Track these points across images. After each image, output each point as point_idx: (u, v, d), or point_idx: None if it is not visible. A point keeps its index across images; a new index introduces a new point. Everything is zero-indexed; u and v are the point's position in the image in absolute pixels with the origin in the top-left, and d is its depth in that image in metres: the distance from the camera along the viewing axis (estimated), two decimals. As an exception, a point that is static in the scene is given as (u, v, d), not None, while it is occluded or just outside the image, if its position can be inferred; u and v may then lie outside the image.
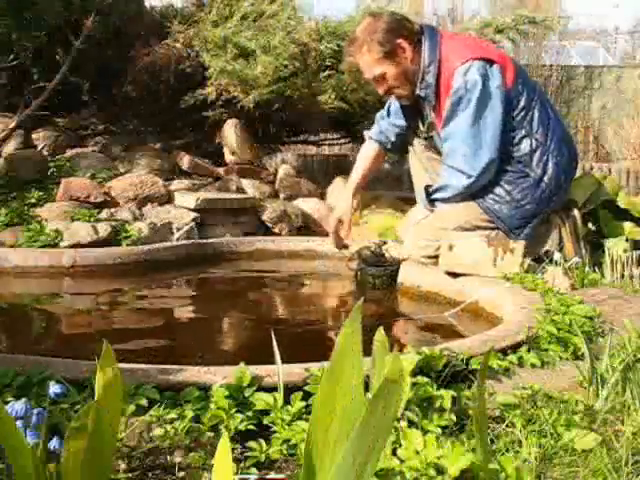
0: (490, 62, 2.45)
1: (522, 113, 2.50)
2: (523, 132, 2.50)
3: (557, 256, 2.41)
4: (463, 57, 2.44)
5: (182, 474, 1.02)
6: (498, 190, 2.52)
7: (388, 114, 2.85)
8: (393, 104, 2.83)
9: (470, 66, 2.42)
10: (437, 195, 2.54)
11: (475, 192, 2.50)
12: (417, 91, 2.55)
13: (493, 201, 2.51)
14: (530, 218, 2.52)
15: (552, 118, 2.57)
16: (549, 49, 9.22)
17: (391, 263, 2.61)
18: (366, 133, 2.97)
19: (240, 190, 3.81)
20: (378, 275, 2.57)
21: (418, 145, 2.82)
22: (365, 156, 2.92)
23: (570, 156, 2.60)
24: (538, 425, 1.17)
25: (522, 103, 2.50)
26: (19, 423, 0.88)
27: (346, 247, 2.81)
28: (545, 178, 2.51)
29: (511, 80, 2.49)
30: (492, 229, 2.52)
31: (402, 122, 2.81)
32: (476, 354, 1.44)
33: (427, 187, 2.60)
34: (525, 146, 2.50)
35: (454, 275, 2.37)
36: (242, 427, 1.12)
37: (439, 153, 2.70)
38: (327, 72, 3.86)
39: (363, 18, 2.73)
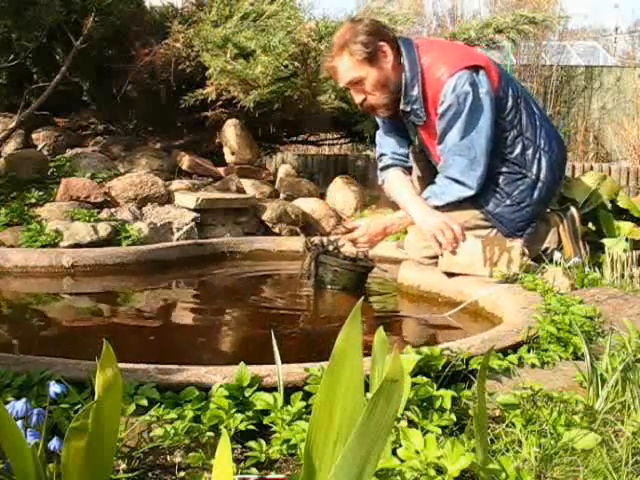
0: (476, 68, 2.42)
1: (512, 113, 2.50)
2: (514, 132, 2.50)
3: (557, 256, 2.42)
4: (450, 69, 2.39)
5: (182, 474, 1.02)
6: (497, 193, 2.52)
7: (383, 152, 2.74)
8: (380, 136, 2.73)
9: (458, 78, 2.38)
10: (432, 202, 2.49)
11: (475, 197, 2.49)
12: (401, 106, 2.49)
13: (494, 205, 2.51)
14: (530, 220, 2.53)
15: (537, 114, 2.56)
16: (549, 49, 9.24)
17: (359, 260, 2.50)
18: (379, 175, 2.78)
19: (240, 190, 3.81)
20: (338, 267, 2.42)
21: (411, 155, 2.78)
22: (397, 183, 2.66)
23: (560, 150, 2.60)
24: (538, 425, 1.17)
25: (510, 103, 2.49)
26: (19, 423, 0.88)
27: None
28: (541, 176, 2.51)
29: (496, 82, 2.47)
30: (492, 227, 2.53)
31: (398, 149, 2.70)
32: (476, 354, 1.44)
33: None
34: (518, 147, 2.51)
35: (451, 275, 2.37)
36: (242, 427, 1.12)
37: (429, 162, 2.67)
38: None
39: (341, 25, 2.65)
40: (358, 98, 2.51)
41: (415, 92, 2.45)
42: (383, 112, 2.58)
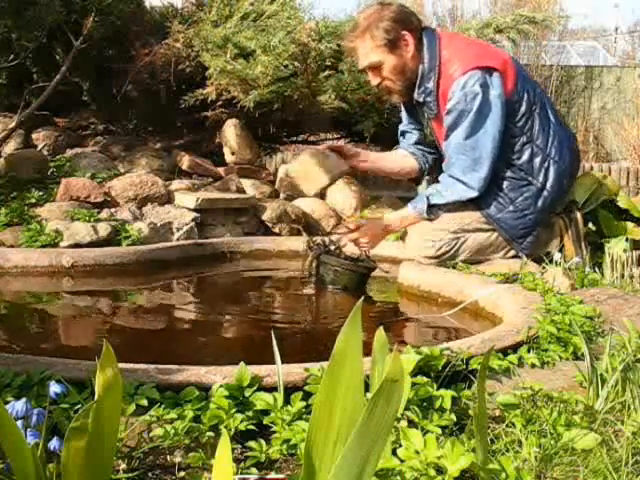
0: (490, 70, 2.41)
1: (523, 119, 2.48)
2: (524, 139, 2.49)
3: (557, 256, 2.42)
4: (463, 67, 2.40)
5: (182, 474, 1.02)
6: (501, 198, 2.51)
7: (403, 135, 2.84)
8: (402, 126, 2.82)
9: (469, 77, 2.38)
10: (434, 200, 2.50)
11: (478, 200, 2.49)
12: (415, 96, 2.52)
13: (496, 209, 2.51)
14: (533, 227, 2.52)
15: (553, 122, 2.54)
16: (549, 49, 9.23)
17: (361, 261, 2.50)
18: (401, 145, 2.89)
19: (240, 190, 3.81)
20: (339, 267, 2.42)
21: None
22: (403, 157, 2.83)
23: (572, 159, 2.58)
24: (538, 425, 1.17)
25: (523, 109, 2.48)
26: (19, 423, 0.88)
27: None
28: (547, 185, 2.50)
29: (512, 86, 2.45)
30: (493, 230, 2.52)
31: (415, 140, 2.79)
32: (476, 354, 1.44)
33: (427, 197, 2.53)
34: (526, 153, 2.49)
35: None
36: (242, 427, 1.12)
37: (439, 153, 2.70)
38: (327, 72, 3.85)
39: (370, 6, 2.67)
40: (374, 81, 2.56)
41: (430, 85, 2.47)
42: (397, 98, 2.63)
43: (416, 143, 2.80)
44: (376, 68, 2.50)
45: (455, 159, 2.45)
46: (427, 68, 2.46)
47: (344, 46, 2.71)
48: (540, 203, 2.51)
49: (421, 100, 2.51)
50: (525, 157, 2.49)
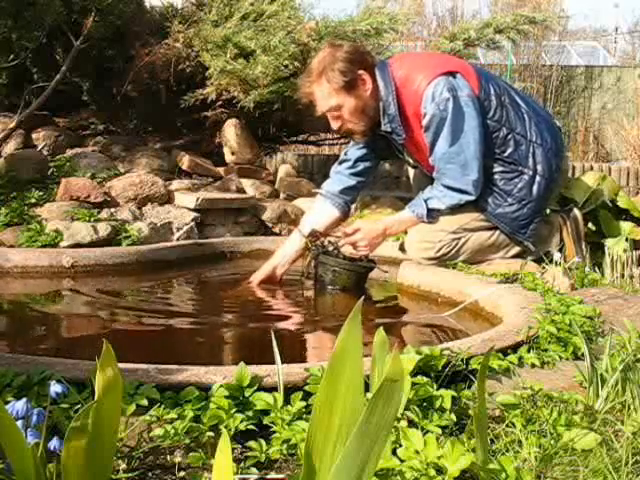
0: (452, 73, 2.41)
1: (498, 112, 2.48)
2: (504, 130, 2.49)
3: (557, 256, 2.42)
4: (427, 78, 2.39)
5: (182, 474, 1.02)
6: (497, 194, 2.51)
7: (345, 158, 2.73)
8: (352, 151, 2.71)
9: (435, 86, 2.37)
10: (433, 204, 2.49)
11: (475, 200, 2.49)
12: (382, 128, 2.48)
13: (495, 205, 2.51)
14: (533, 216, 2.52)
15: (524, 107, 2.54)
16: (549, 49, 9.25)
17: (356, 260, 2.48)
18: (325, 191, 2.74)
19: (240, 190, 3.81)
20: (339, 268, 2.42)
21: None
22: (325, 214, 2.71)
23: (553, 139, 2.58)
24: (538, 425, 1.17)
25: (494, 103, 2.48)
26: (19, 423, 0.88)
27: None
28: (538, 170, 2.51)
29: (476, 84, 2.46)
30: (494, 228, 2.53)
31: (361, 161, 2.70)
32: (476, 354, 1.44)
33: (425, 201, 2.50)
34: (510, 144, 2.50)
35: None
36: (242, 427, 1.12)
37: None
38: (327, 72, 3.85)
39: (321, 48, 2.60)
40: (335, 125, 2.49)
41: (392, 110, 2.43)
42: (359, 138, 2.56)
43: (352, 174, 2.70)
44: (336, 111, 2.43)
45: (444, 169, 2.44)
46: (384, 96, 2.42)
47: (301, 93, 2.57)
48: (535, 190, 2.51)
49: (389, 129, 2.48)
50: (510, 148, 2.50)
